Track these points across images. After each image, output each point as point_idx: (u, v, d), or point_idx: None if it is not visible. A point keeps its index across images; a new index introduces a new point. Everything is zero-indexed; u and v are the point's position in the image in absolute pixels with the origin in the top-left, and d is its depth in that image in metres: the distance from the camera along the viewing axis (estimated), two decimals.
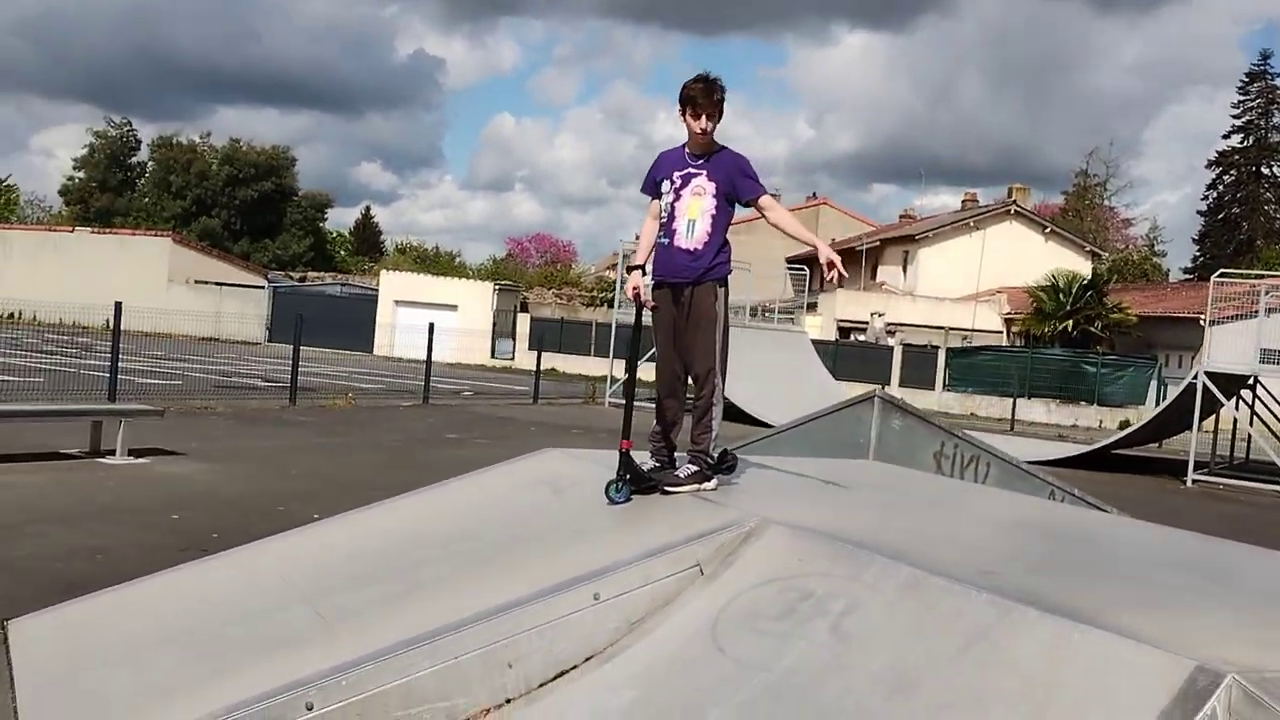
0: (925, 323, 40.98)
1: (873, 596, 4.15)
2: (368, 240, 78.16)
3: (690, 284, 5.44)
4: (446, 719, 4.29)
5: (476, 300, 40.01)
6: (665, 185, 5.46)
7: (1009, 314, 41.79)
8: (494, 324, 39.21)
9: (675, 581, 4.70)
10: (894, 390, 34.25)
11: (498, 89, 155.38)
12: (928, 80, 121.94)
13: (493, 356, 38.21)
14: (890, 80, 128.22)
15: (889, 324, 40.41)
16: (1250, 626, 3.71)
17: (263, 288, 44.21)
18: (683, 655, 4.39)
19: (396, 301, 40.08)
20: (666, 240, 5.46)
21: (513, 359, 37.66)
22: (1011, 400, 32.09)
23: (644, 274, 5.59)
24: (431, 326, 20.25)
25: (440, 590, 4.83)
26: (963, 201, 53.60)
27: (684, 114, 5.39)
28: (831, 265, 5.34)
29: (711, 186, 5.43)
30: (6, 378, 16.94)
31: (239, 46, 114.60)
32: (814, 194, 62.71)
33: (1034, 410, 33.41)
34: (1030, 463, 8.47)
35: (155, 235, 47.60)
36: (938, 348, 36.92)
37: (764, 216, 5.68)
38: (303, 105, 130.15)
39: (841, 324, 41.32)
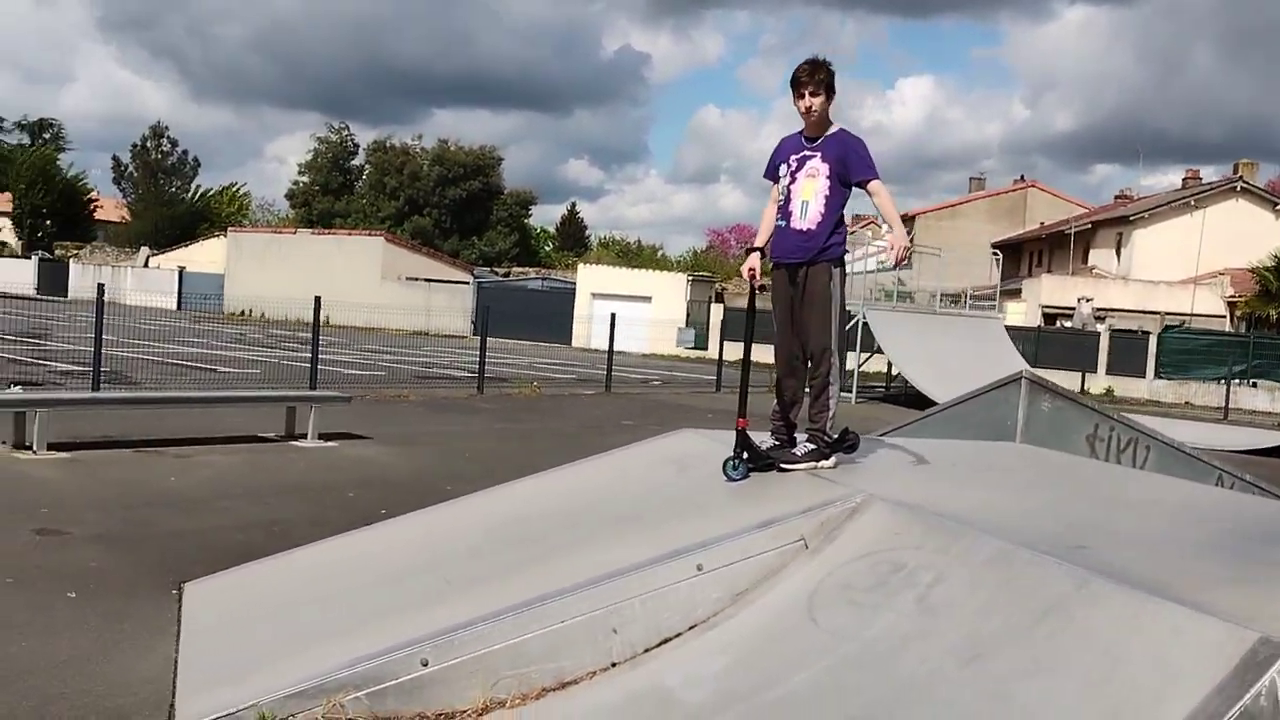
0: (1138, 307, 39.11)
1: (960, 568, 4.18)
2: (573, 235, 79.95)
3: (804, 264, 5.53)
4: (554, 680, 4.53)
5: (671, 292, 40.49)
6: (783, 169, 5.57)
7: (1232, 297, 39.41)
8: (687, 314, 39.59)
9: (778, 555, 4.82)
10: (1101, 379, 32.88)
11: (703, 81, 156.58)
12: (1155, 51, 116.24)
13: (676, 346, 38.59)
14: (1113, 54, 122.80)
15: (1098, 309, 38.71)
16: None
17: (468, 283, 45.87)
18: (778, 625, 4.52)
19: (593, 294, 40.94)
20: (783, 222, 5.56)
21: (705, 349, 37.93)
22: (1225, 387, 30.33)
23: (762, 257, 5.71)
24: (613, 317, 20.73)
25: (559, 559, 5.07)
26: (1184, 180, 50.82)
27: (794, 97, 5.47)
28: (893, 248, 5.42)
29: (825, 168, 5.50)
30: (229, 370, 18.33)
31: (453, 52, 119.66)
32: (1021, 177, 60.44)
33: (1256, 398, 31.49)
34: (1213, 451, 8.13)
35: (369, 235, 50.02)
36: (1148, 333, 35.17)
37: (872, 200, 5.75)
38: (513, 105, 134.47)
39: (1047, 310, 39.86)
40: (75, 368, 16.39)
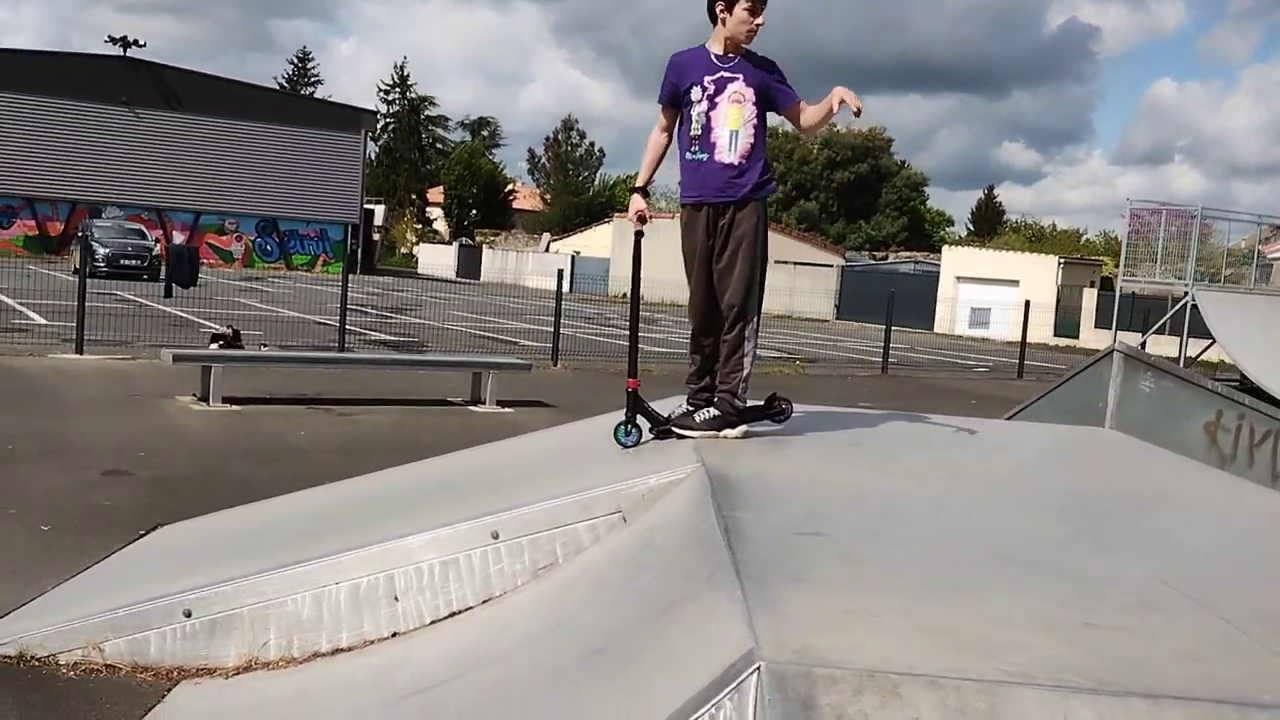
0: None
1: (674, 555, 3.43)
2: (988, 220, 76.62)
3: (733, 203, 4.81)
4: (330, 646, 4.24)
5: (1040, 275, 37.70)
6: (695, 92, 4.86)
7: None
8: (1057, 299, 36.68)
9: (589, 528, 4.21)
10: None
11: (1158, 53, 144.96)
12: None
13: (1053, 335, 35.77)
14: None
15: None
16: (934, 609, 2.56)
17: (831, 266, 45.17)
18: (539, 602, 3.96)
19: (958, 278, 38.98)
20: (704, 155, 4.86)
21: (1075, 337, 34.98)
22: None
23: (647, 196, 5.09)
24: (892, 296, 19.52)
25: (371, 529, 4.68)
26: None
27: (730, 7, 4.74)
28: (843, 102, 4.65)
29: (750, 93, 4.78)
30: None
31: (885, 37, 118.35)
32: None
33: None
34: None
35: None
36: None
37: (798, 127, 4.91)
38: (946, 88, 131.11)
39: None
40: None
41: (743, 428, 4.86)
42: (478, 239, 67.41)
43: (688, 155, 4.92)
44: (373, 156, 66.49)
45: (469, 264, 60.15)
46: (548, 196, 72.71)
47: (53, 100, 44.65)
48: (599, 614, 3.50)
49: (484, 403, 11.09)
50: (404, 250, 69.24)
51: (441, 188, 73.43)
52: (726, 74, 4.80)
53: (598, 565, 3.93)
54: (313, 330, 17.95)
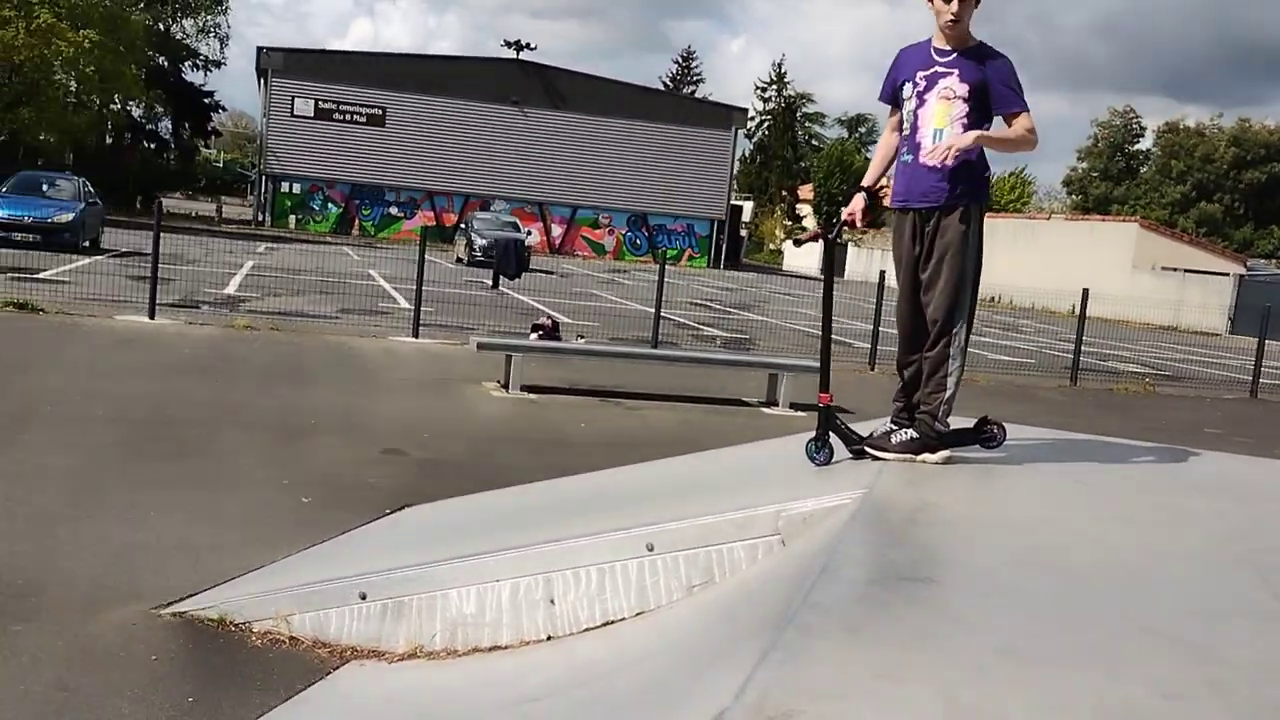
0: None
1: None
2: None
3: (939, 208, 4.44)
4: (490, 641, 4.29)
5: None
6: (907, 89, 4.53)
7: None
8: None
9: (747, 548, 4.01)
10: None
11: None
12: None
13: None
14: None
15: None
16: None
17: (1228, 275, 41.06)
18: (663, 623, 3.79)
19: None
20: (909, 156, 4.55)
21: None
22: None
23: (872, 197, 4.71)
24: (1266, 310, 17.30)
25: (554, 527, 4.66)
26: None
27: None
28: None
29: (964, 89, 4.40)
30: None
31: None
32: None
33: None
34: None
35: (1122, 221, 47.06)
36: None
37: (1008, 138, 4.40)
38: None
39: None
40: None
41: (945, 452, 4.44)
42: (846, 237, 66.77)
43: (900, 156, 4.57)
44: (745, 153, 67.45)
45: (836, 262, 59.66)
46: None
47: (456, 101, 48.56)
48: (704, 643, 3.29)
49: (777, 405, 10.92)
50: (771, 247, 69.79)
51: (812, 185, 73.31)
52: (941, 69, 4.42)
53: (732, 591, 3.71)
54: (650, 324, 18.40)
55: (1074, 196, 64.71)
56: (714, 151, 51.98)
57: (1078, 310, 16.78)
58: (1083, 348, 16.25)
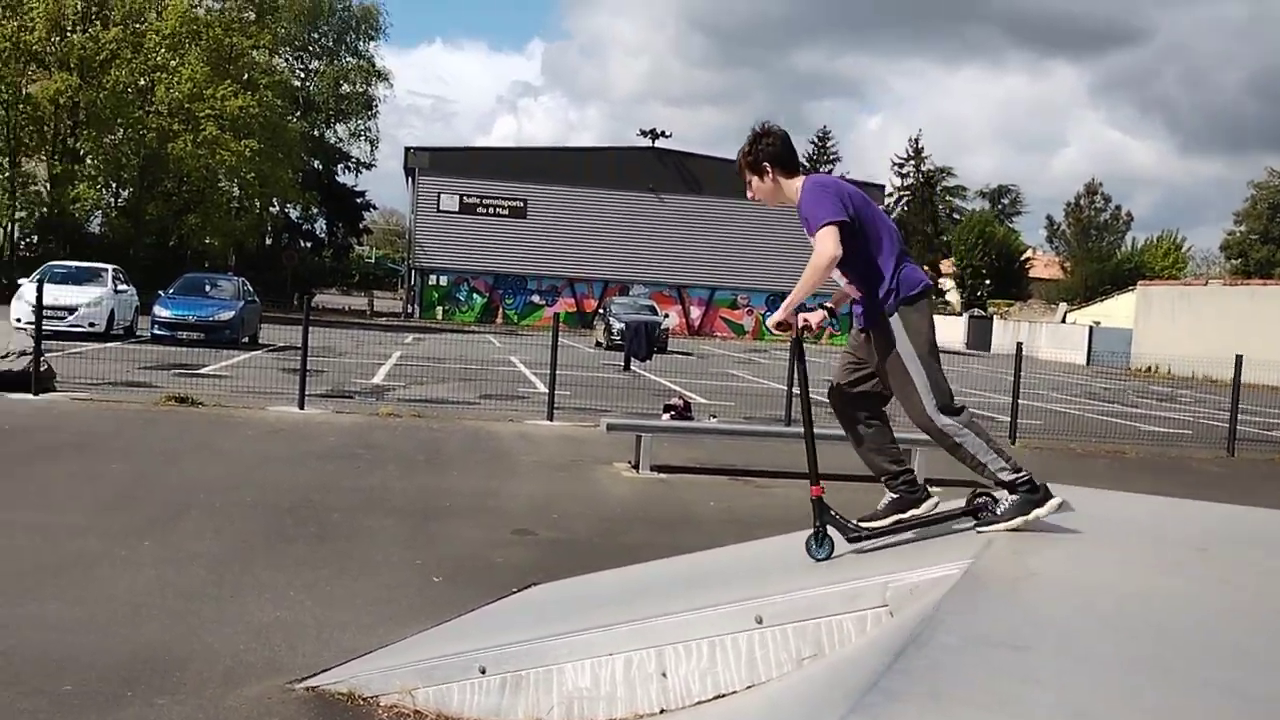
0: None
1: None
2: None
3: (868, 330, 4.75)
4: (605, 715, 4.35)
5: None
6: None
7: None
8: None
9: (856, 620, 4.00)
10: None
11: None
12: None
13: None
14: None
15: None
16: None
17: None
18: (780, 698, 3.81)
19: None
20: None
21: None
22: None
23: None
24: None
25: (666, 601, 4.71)
26: None
27: None
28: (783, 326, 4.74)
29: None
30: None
31: None
32: None
33: None
34: None
35: None
36: None
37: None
38: None
39: None
40: None
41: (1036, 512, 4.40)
42: (990, 309, 65.64)
43: None
44: None
45: (980, 335, 58.66)
46: (1067, 265, 69.32)
47: (594, 190, 49.81)
48: (810, 714, 3.30)
49: None
50: None
51: (953, 258, 72.51)
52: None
53: (837, 662, 3.70)
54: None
55: (1233, 261, 62.35)
56: None
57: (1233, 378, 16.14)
58: (1246, 417, 15.59)
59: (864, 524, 4.71)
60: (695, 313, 51.34)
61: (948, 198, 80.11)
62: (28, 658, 4.87)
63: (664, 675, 4.25)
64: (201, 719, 4.40)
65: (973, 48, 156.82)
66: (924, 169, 75.88)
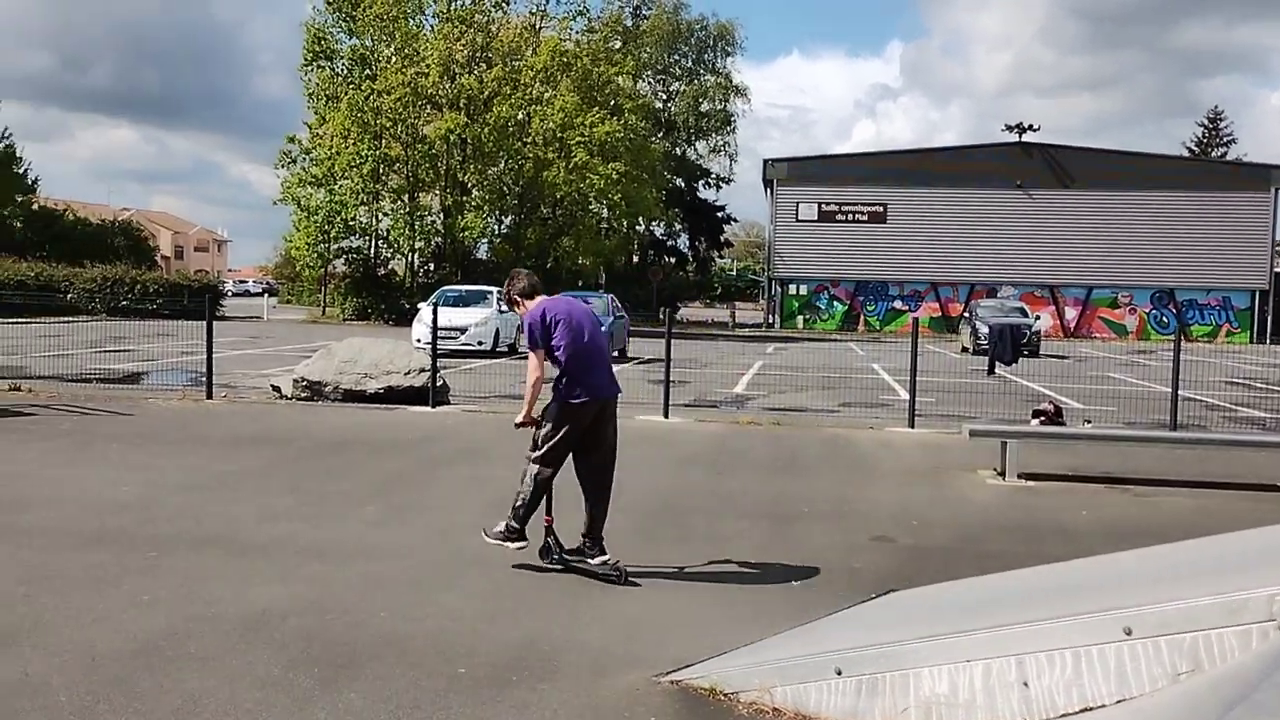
0: None
1: None
2: None
3: None
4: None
5: None
6: None
7: None
8: None
9: (1239, 634, 3.74)
10: None
11: None
12: None
13: None
14: None
15: None
16: None
17: None
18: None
19: None
20: None
21: None
22: None
23: None
24: None
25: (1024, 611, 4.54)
26: None
27: None
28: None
29: None
30: None
31: None
32: None
33: None
34: None
35: None
36: None
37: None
38: None
39: None
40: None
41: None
42: None
43: None
44: None
45: None
46: None
47: (957, 190, 48.41)
48: None
49: None
50: None
51: None
52: None
53: (1220, 678, 3.44)
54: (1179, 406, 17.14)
55: None
56: (1250, 216, 47.48)
57: None
58: None
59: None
60: (1070, 313, 48.68)
61: None
62: (428, 643, 5.39)
63: (1025, 685, 4.12)
64: (577, 703, 4.70)
65: None
66: None
